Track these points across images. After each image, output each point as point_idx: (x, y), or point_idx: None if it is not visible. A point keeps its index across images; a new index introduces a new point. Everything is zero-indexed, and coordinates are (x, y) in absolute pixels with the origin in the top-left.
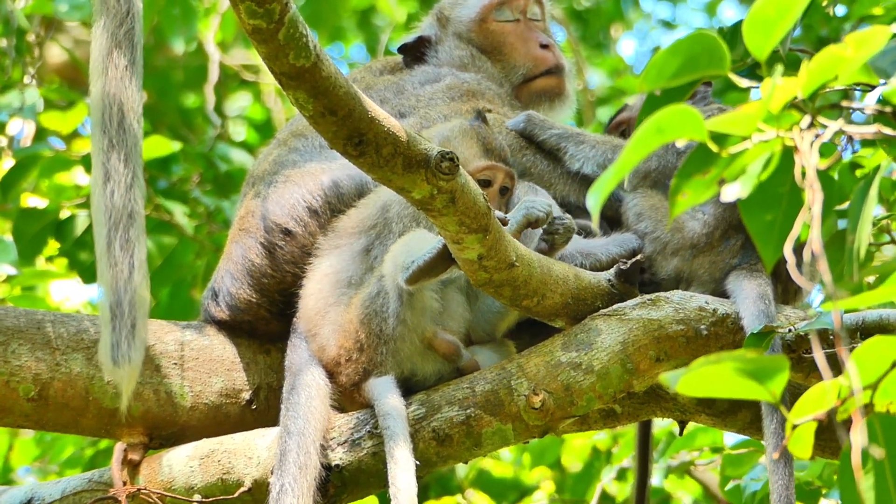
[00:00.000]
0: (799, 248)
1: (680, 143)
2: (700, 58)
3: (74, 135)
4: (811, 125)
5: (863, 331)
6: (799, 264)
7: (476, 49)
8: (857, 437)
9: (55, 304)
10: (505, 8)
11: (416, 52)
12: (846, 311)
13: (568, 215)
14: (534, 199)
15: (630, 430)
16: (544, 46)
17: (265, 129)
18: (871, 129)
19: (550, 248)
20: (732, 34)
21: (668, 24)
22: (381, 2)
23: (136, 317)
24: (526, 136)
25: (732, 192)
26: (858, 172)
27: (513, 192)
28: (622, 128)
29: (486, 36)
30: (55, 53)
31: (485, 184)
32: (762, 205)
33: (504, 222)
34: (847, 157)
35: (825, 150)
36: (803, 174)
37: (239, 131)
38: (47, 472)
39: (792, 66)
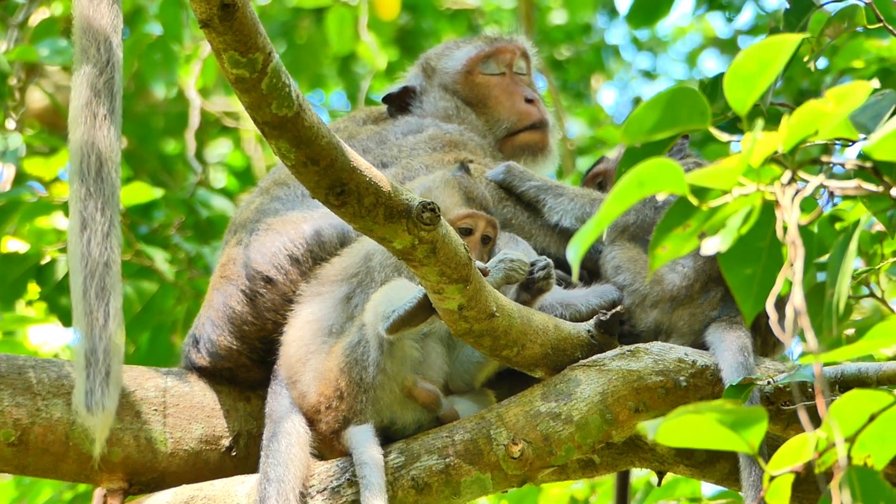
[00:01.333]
0: (779, 302)
1: (660, 197)
2: (681, 112)
3: (55, 179)
4: (792, 180)
5: (841, 384)
6: (780, 319)
7: (461, 101)
8: (838, 491)
9: (33, 347)
10: (491, 61)
11: (400, 102)
12: (825, 365)
13: (545, 257)
14: (514, 256)
15: (608, 480)
16: (529, 101)
17: (245, 176)
18: (851, 184)
19: (533, 296)
20: (713, 87)
21: (648, 75)
22: (362, 49)
23: (110, 364)
24: (505, 186)
25: (712, 245)
26: (838, 225)
27: (495, 242)
28: (599, 179)
29: (471, 88)
30: (36, 98)
31: (466, 232)
32: (742, 259)
33: (485, 273)
34: (827, 210)
35: (806, 205)
36: (784, 229)
37: (219, 178)
38: None
39: (772, 121)
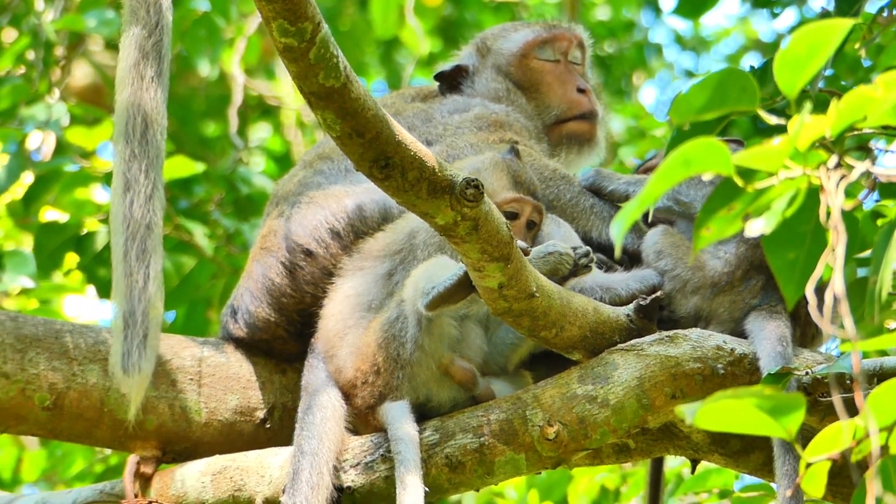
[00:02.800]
0: (820, 290)
1: (706, 177)
2: (730, 92)
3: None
4: (838, 165)
5: (880, 376)
6: (819, 305)
7: (513, 84)
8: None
9: (68, 319)
10: (547, 47)
11: (451, 81)
12: (864, 356)
13: (586, 247)
14: (563, 250)
15: (639, 471)
16: (581, 91)
17: (284, 161)
18: None
19: (570, 275)
20: (762, 74)
21: (690, 74)
22: (405, 35)
23: (148, 327)
24: (594, 189)
25: (757, 227)
26: (879, 222)
27: (540, 227)
28: (649, 174)
29: (525, 72)
30: (77, 76)
31: (512, 216)
32: (785, 242)
33: (526, 253)
34: (869, 206)
35: (850, 191)
36: (828, 214)
37: (258, 161)
38: (55, 486)
39: (820, 107)
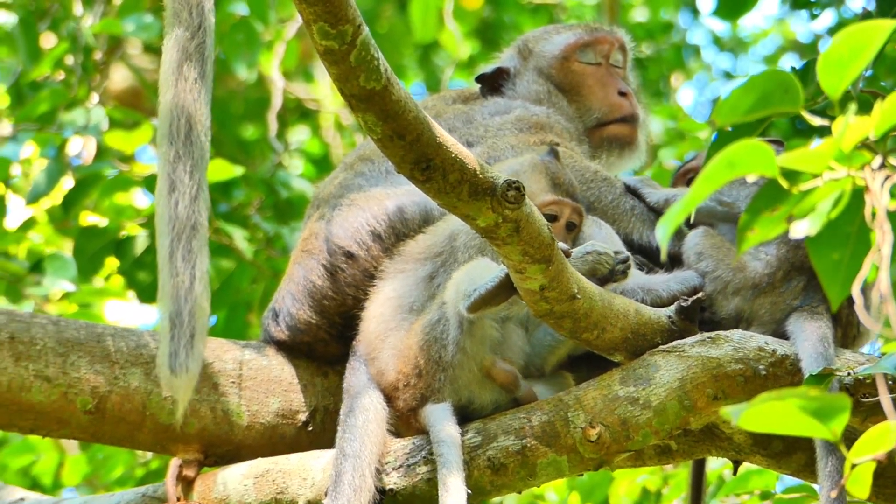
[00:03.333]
0: (864, 290)
1: (750, 178)
2: (773, 94)
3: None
4: (882, 165)
5: None
6: (864, 305)
7: (554, 86)
8: None
9: (109, 323)
10: (589, 50)
11: (493, 83)
12: None
13: (626, 253)
14: (602, 249)
15: (681, 472)
16: (622, 94)
17: (323, 163)
18: None
19: (606, 281)
20: (804, 75)
21: (728, 75)
22: (444, 38)
23: (195, 327)
24: (636, 193)
25: (802, 228)
26: None
27: (580, 229)
28: (690, 176)
29: (566, 74)
30: (116, 80)
31: (551, 219)
32: (830, 243)
33: (567, 254)
34: None
35: (894, 191)
36: (873, 214)
37: (296, 164)
38: (97, 491)
39: (863, 108)
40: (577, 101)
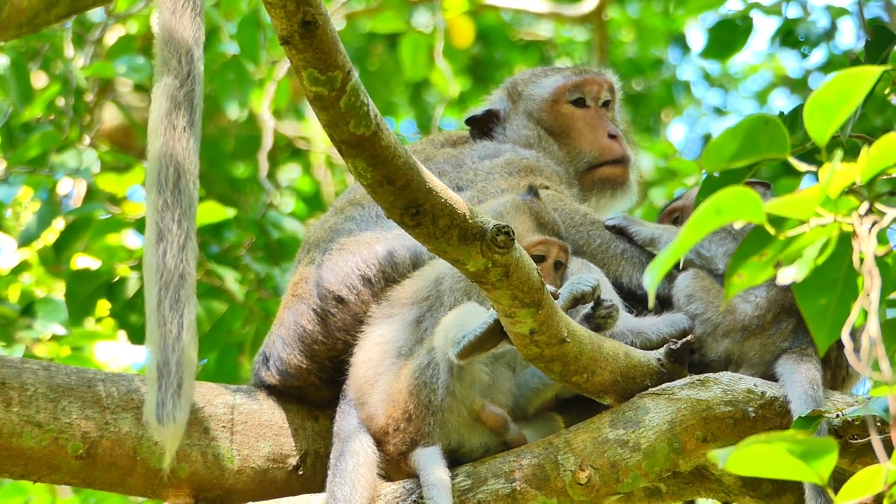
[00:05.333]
0: (853, 333)
1: (737, 225)
2: (760, 140)
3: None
4: (869, 211)
5: None
6: (853, 349)
7: (544, 130)
8: None
9: (100, 364)
10: (577, 92)
11: (483, 125)
12: None
13: (611, 298)
14: (580, 275)
15: None
16: (612, 136)
17: (314, 201)
18: None
19: (596, 330)
20: (792, 118)
21: (718, 111)
22: (434, 76)
23: (182, 376)
24: (620, 230)
25: (788, 275)
26: None
27: (567, 266)
28: (675, 215)
29: (556, 118)
30: (107, 118)
31: (539, 259)
32: (817, 289)
33: (556, 296)
34: None
35: (882, 237)
36: (861, 260)
37: (287, 202)
38: None
39: (850, 153)
40: (567, 143)
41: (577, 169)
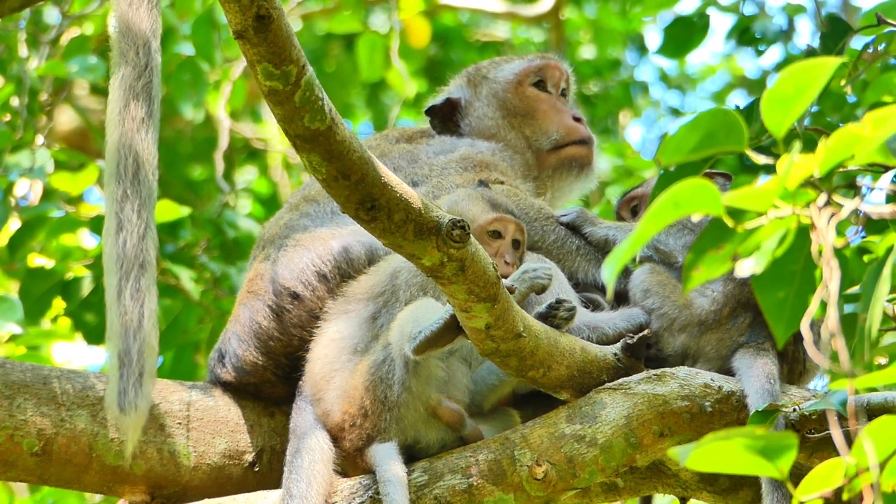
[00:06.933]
0: (812, 326)
1: (695, 218)
2: (718, 133)
3: (80, 198)
4: (827, 203)
5: (868, 412)
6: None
7: (508, 111)
8: None
9: (57, 365)
10: (540, 75)
11: (443, 115)
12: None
13: (571, 302)
14: (535, 265)
15: None
16: (577, 119)
17: (271, 202)
18: (887, 209)
19: (554, 326)
20: (749, 113)
21: (676, 112)
22: (391, 77)
23: (143, 365)
24: (574, 227)
25: (746, 267)
26: (866, 258)
27: (524, 246)
28: (633, 203)
29: (521, 99)
30: (63, 121)
31: (496, 235)
32: (775, 282)
33: (511, 290)
34: (855, 242)
35: (838, 229)
36: (820, 252)
37: (244, 204)
38: None
39: (808, 145)
40: (531, 124)
41: (542, 149)
